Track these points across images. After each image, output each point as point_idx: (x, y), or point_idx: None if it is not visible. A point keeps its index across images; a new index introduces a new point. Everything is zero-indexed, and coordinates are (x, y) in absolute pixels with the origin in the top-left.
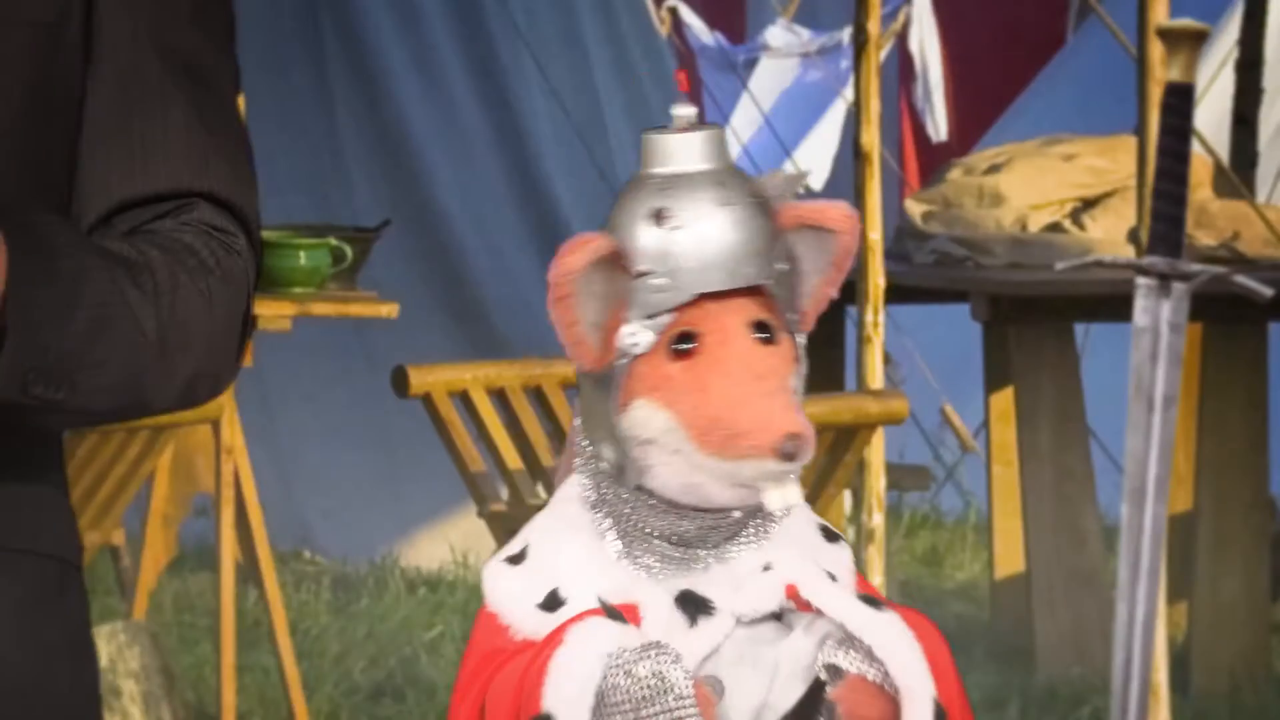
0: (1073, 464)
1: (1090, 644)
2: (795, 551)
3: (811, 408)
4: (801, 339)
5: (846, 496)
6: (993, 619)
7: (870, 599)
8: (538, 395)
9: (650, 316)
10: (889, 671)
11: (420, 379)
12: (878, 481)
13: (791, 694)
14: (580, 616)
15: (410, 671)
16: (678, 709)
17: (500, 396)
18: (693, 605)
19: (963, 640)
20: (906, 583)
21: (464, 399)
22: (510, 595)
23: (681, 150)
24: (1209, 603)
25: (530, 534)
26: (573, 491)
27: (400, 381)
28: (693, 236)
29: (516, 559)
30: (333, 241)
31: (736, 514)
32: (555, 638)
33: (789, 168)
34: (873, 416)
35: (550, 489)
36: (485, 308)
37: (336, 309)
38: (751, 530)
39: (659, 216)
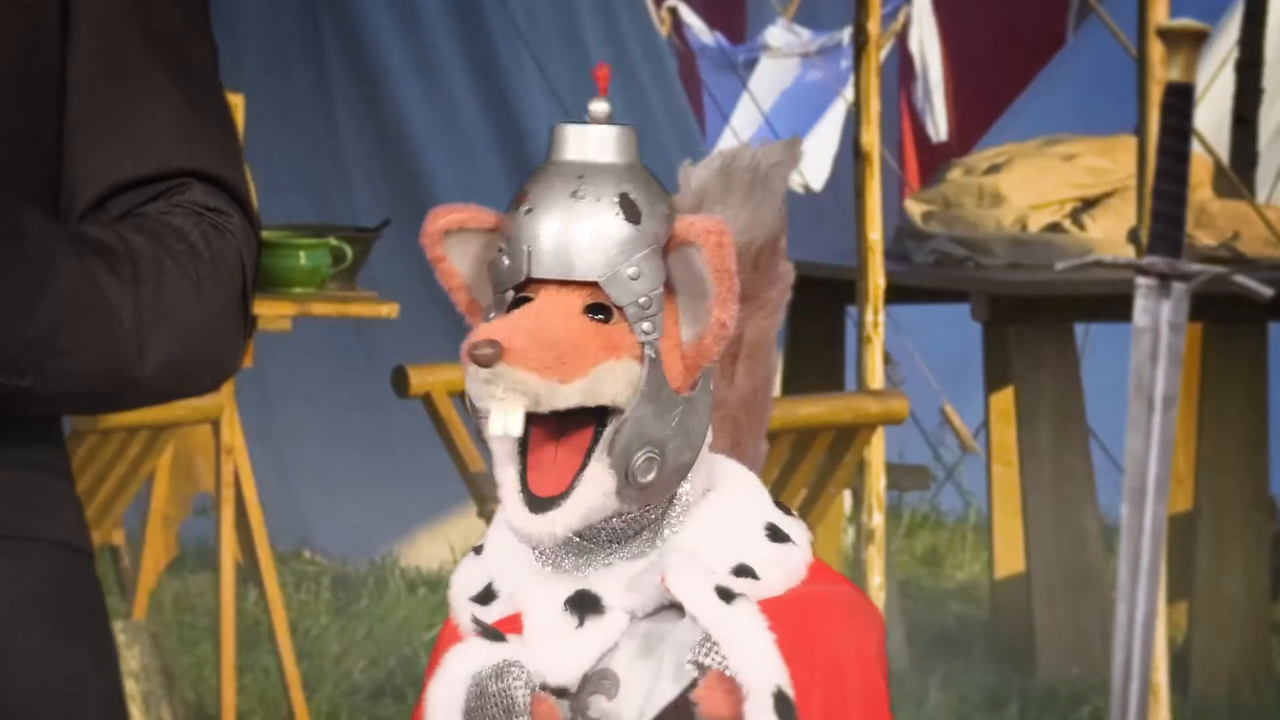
0: (1073, 464)
1: (1090, 644)
2: (708, 547)
3: (811, 408)
4: (646, 357)
5: (846, 496)
6: (993, 619)
7: (726, 591)
8: None
9: (499, 291)
10: (730, 666)
11: (420, 379)
12: (878, 481)
13: (673, 690)
14: (461, 641)
15: (410, 671)
16: None
17: None
18: (582, 606)
19: (963, 640)
20: (906, 583)
21: (464, 399)
22: (458, 588)
23: (560, 142)
24: (1209, 603)
25: (491, 526)
26: None
27: (400, 381)
28: (538, 222)
29: (480, 549)
30: (333, 241)
31: (614, 520)
32: (436, 663)
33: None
34: (873, 416)
35: None
36: None
37: (336, 309)
38: (656, 528)
39: (517, 199)
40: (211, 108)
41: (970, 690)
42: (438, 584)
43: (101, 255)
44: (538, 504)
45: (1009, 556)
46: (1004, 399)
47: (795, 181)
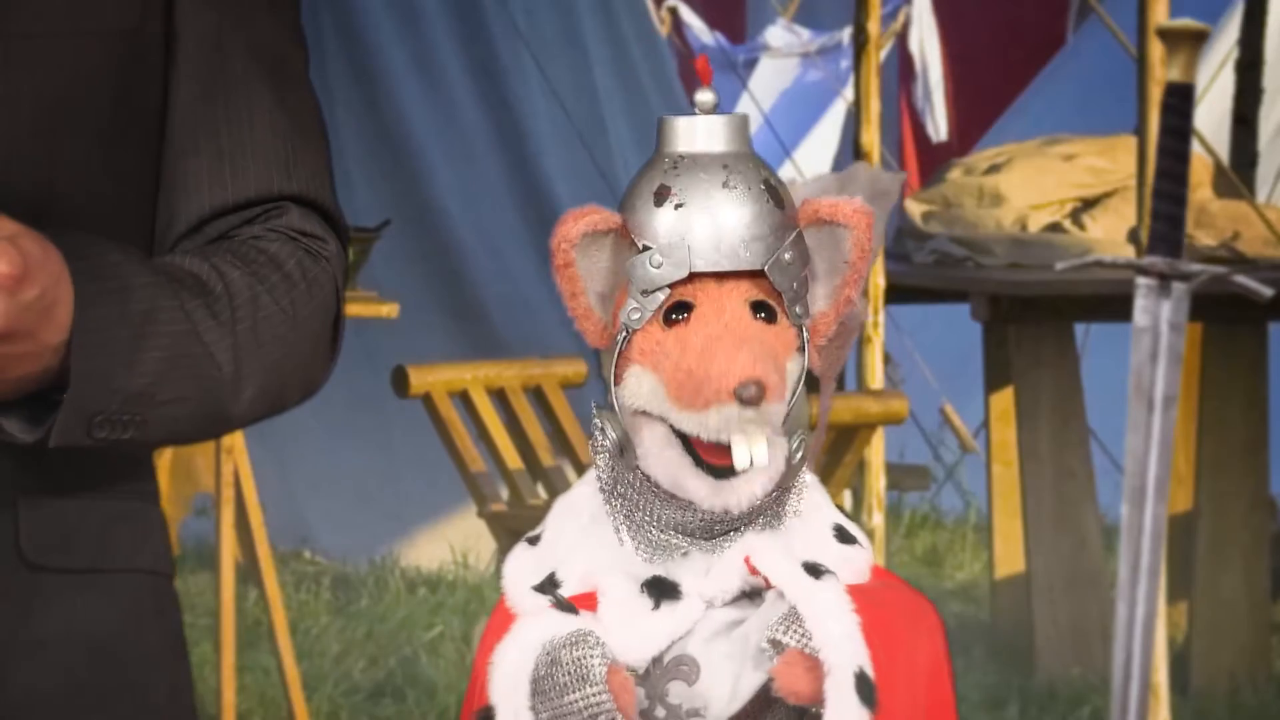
0: (1073, 464)
1: (1090, 644)
2: (783, 545)
3: (812, 408)
4: (804, 342)
5: (846, 496)
6: (993, 619)
7: (815, 567)
8: (538, 395)
9: (649, 292)
10: (813, 644)
11: (420, 379)
12: (878, 481)
13: (761, 670)
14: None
15: (410, 671)
16: (593, 695)
17: (500, 396)
18: (658, 589)
19: (963, 640)
20: (906, 583)
21: (464, 399)
22: (516, 576)
23: (691, 132)
24: (1209, 603)
25: (549, 517)
26: (590, 476)
27: (400, 381)
28: (693, 215)
29: (534, 540)
30: None
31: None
32: (506, 630)
33: (789, 169)
34: (873, 416)
35: (550, 489)
36: (485, 308)
37: None
38: (757, 526)
39: (661, 194)
40: (309, 121)
41: (970, 690)
42: (438, 584)
43: (201, 297)
44: (722, 473)
45: (1009, 556)
46: (1004, 399)
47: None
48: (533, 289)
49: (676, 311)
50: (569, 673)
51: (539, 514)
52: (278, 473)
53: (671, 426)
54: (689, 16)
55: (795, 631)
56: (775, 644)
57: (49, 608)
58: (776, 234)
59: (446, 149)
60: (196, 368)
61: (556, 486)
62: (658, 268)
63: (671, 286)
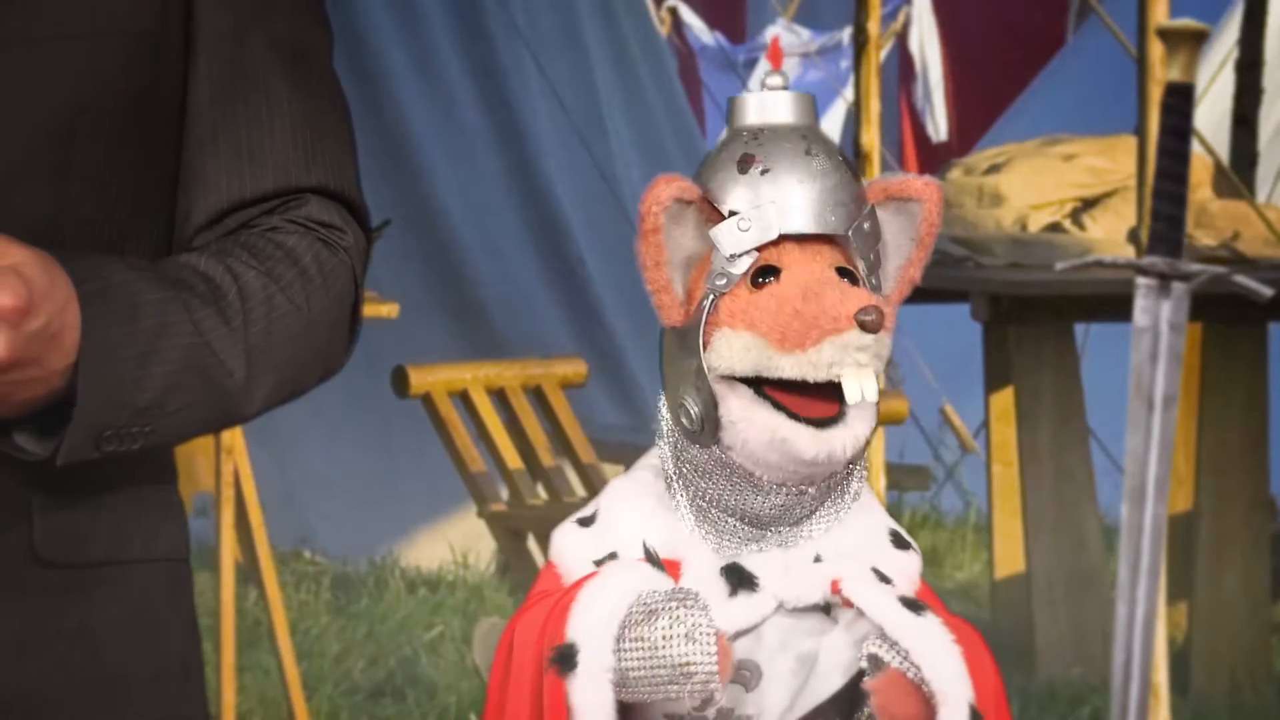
0: (1073, 464)
1: (1090, 644)
2: (851, 548)
3: None
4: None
5: None
6: (993, 619)
7: (913, 602)
8: (538, 395)
9: (735, 256)
10: (924, 675)
11: (420, 379)
12: (878, 481)
13: (830, 685)
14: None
15: (410, 671)
16: (694, 654)
17: (500, 396)
18: (736, 577)
19: None
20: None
21: (464, 399)
22: (572, 550)
23: (767, 106)
24: (1209, 603)
25: (603, 499)
26: (651, 460)
27: (400, 381)
28: (778, 181)
29: (587, 521)
30: None
31: (811, 491)
32: (588, 575)
33: None
34: None
35: (550, 489)
36: (485, 308)
37: None
38: (822, 516)
39: (745, 162)
40: (330, 112)
41: None
42: (438, 584)
43: (214, 304)
44: (821, 424)
45: (1009, 556)
46: (1004, 399)
47: None
48: (533, 289)
49: (763, 275)
50: (668, 629)
51: (539, 514)
52: (278, 473)
53: (759, 391)
54: (689, 16)
55: (897, 653)
56: (875, 660)
57: (64, 603)
58: (857, 203)
59: (446, 149)
60: (207, 376)
61: (556, 486)
62: (745, 231)
63: (758, 250)
